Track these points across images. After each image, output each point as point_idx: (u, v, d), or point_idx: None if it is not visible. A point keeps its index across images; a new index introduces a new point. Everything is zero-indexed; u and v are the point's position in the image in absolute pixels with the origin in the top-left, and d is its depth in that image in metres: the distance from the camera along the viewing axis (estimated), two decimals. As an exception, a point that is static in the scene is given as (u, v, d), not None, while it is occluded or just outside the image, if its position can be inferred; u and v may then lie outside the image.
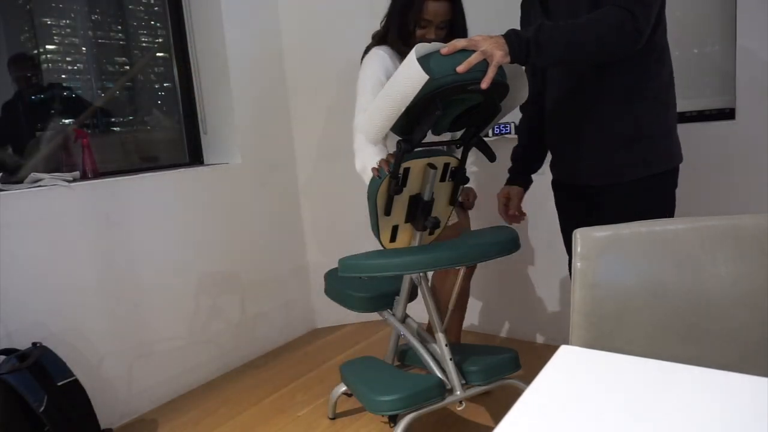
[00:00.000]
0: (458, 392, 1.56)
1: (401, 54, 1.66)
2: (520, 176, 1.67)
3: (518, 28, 1.30)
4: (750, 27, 1.72)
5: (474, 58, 1.21)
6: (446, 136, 1.73)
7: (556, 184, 1.60)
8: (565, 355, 0.65)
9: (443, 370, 1.60)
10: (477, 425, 1.80)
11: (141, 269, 2.09)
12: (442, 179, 1.56)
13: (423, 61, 1.22)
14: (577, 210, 1.54)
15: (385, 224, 1.54)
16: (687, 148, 1.90)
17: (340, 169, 2.68)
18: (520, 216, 1.71)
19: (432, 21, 1.65)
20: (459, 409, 1.89)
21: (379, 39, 1.76)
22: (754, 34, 1.72)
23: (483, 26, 2.45)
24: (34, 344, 1.70)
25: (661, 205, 1.38)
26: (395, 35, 1.70)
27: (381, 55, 1.70)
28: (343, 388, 1.85)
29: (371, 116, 1.34)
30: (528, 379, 1.95)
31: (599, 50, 1.19)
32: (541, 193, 1.75)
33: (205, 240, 2.32)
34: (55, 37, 2.15)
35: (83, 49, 2.22)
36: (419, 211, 1.56)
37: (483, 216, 2.48)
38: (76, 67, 2.21)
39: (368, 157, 1.60)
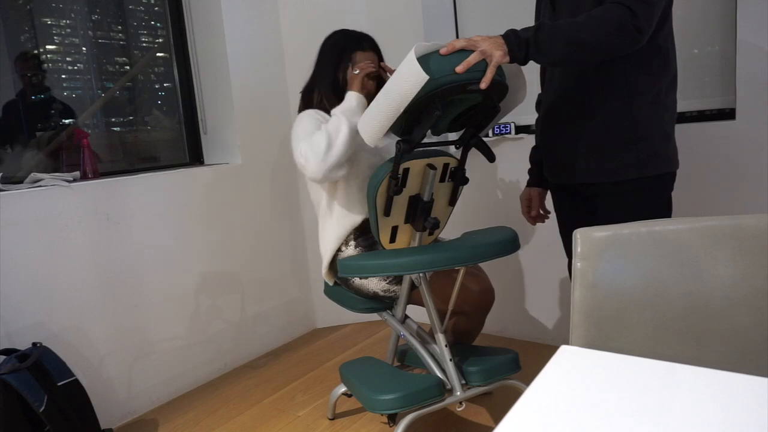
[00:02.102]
0: (458, 393, 1.56)
1: (330, 114, 1.66)
2: (540, 177, 1.66)
3: (518, 27, 1.30)
4: (750, 26, 1.72)
5: (473, 58, 1.21)
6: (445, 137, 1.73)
7: (552, 186, 1.60)
8: (565, 355, 0.65)
9: (443, 371, 1.60)
10: (477, 425, 1.80)
11: (141, 269, 2.09)
12: (442, 180, 1.56)
13: (422, 60, 1.22)
14: (575, 211, 1.53)
15: (384, 225, 1.54)
16: (687, 148, 1.91)
17: (340, 169, 2.68)
18: (544, 216, 1.71)
19: None
20: (459, 409, 1.89)
21: (304, 102, 1.79)
22: (754, 33, 1.72)
23: (482, 26, 2.46)
24: (34, 344, 1.70)
25: (659, 207, 1.37)
26: (328, 90, 1.72)
27: (312, 114, 1.70)
28: (343, 388, 1.85)
29: (370, 116, 1.33)
30: (528, 379, 1.95)
31: (599, 49, 1.19)
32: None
33: (205, 240, 2.32)
34: (55, 37, 2.15)
35: (83, 49, 2.22)
36: (419, 212, 1.56)
37: (483, 216, 2.48)
38: (76, 67, 2.21)
39: (315, 140, 1.57)
